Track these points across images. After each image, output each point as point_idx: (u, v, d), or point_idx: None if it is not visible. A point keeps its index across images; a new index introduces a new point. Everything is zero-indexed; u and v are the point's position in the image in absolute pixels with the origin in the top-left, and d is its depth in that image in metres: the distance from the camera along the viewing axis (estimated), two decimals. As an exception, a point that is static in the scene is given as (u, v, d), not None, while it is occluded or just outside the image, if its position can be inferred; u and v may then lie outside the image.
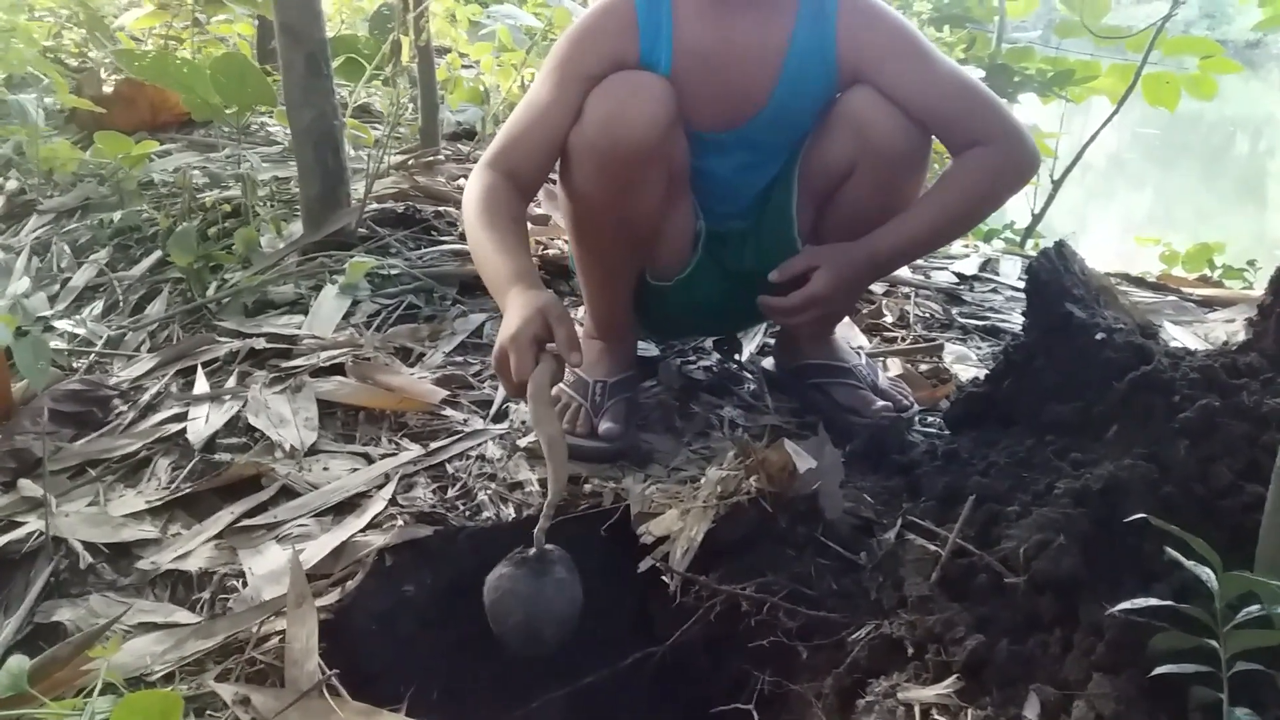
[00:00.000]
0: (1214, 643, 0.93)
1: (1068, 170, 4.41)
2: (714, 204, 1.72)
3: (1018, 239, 4.37)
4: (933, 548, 1.27)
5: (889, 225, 1.61)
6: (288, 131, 3.44)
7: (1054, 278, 1.44)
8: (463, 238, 2.41)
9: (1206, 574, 0.95)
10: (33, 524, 1.55)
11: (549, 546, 1.22)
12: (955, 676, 1.10)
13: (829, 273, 1.60)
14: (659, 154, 1.53)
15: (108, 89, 3.57)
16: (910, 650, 1.15)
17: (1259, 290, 2.52)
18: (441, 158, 3.06)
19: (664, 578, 1.36)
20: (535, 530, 1.21)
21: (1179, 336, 1.94)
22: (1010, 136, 1.58)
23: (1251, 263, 3.45)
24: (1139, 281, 2.53)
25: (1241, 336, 1.45)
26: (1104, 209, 8.21)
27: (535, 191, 1.64)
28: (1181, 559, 0.99)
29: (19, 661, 1.19)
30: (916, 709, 1.07)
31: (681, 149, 1.61)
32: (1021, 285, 2.33)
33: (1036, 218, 4.58)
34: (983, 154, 1.57)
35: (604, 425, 1.60)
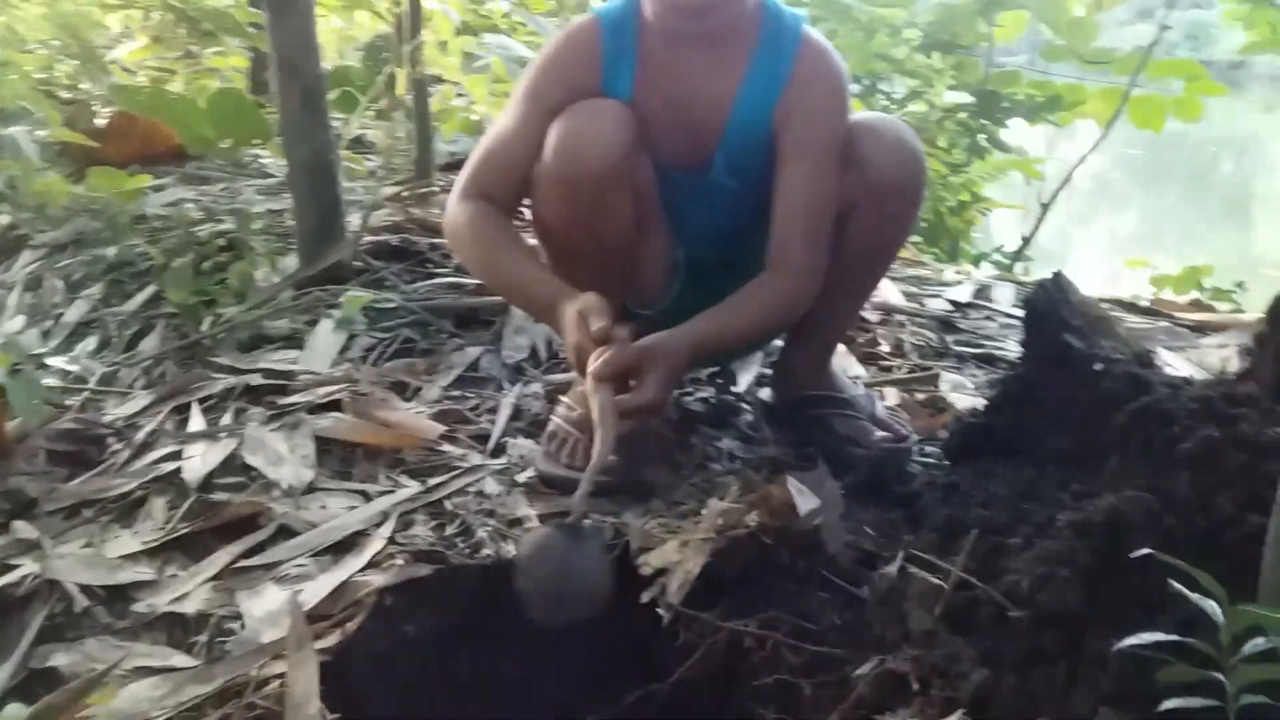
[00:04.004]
0: (1220, 676, 0.93)
1: (1055, 194, 4.44)
2: (692, 234, 1.74)
3: (1008, 262, 4.40)
4: (935, 581, 1.27)
5: (706, 315, 1.57)
6: (281, 164, 3.45)
7: (1051, 309, 1.44)
8: (458, 270, 2.42)
9: (1212, 607, 0.94)
10: (28, 566, 1.54)
11: (588, 521, 1.22)
12: (961, 712, 1.09)
13: (660, 377, 1.45)
14: (621, 177, 1.55)
15: (100, 121, 3.57)
16: (915, 685, 1.14)
17: (1249, 314, 2.54)
18: (435, 189, 3.06)
19: (659, 609, 1.35)
20: (575, 497, 1.22)
21: (1173, 363, 1.94)
22: (807, 273, 1.62)
23: (1239, 284, 3.48)
24: (1131, 306, 2.54)
25: (1235, 363, 1.45)
26: (1089, 230, 8.26)
27: (514, 214, 1.67)
28: (1186, 592, 0.99)
29: (16, 710, 1.18)
30: (923, 747, 1.06)
31: (646, 173, 1.63)
32: (1015, 312, 2.36)
33: (1025, 241, 4.61)
34: (784, 278, 1.62)
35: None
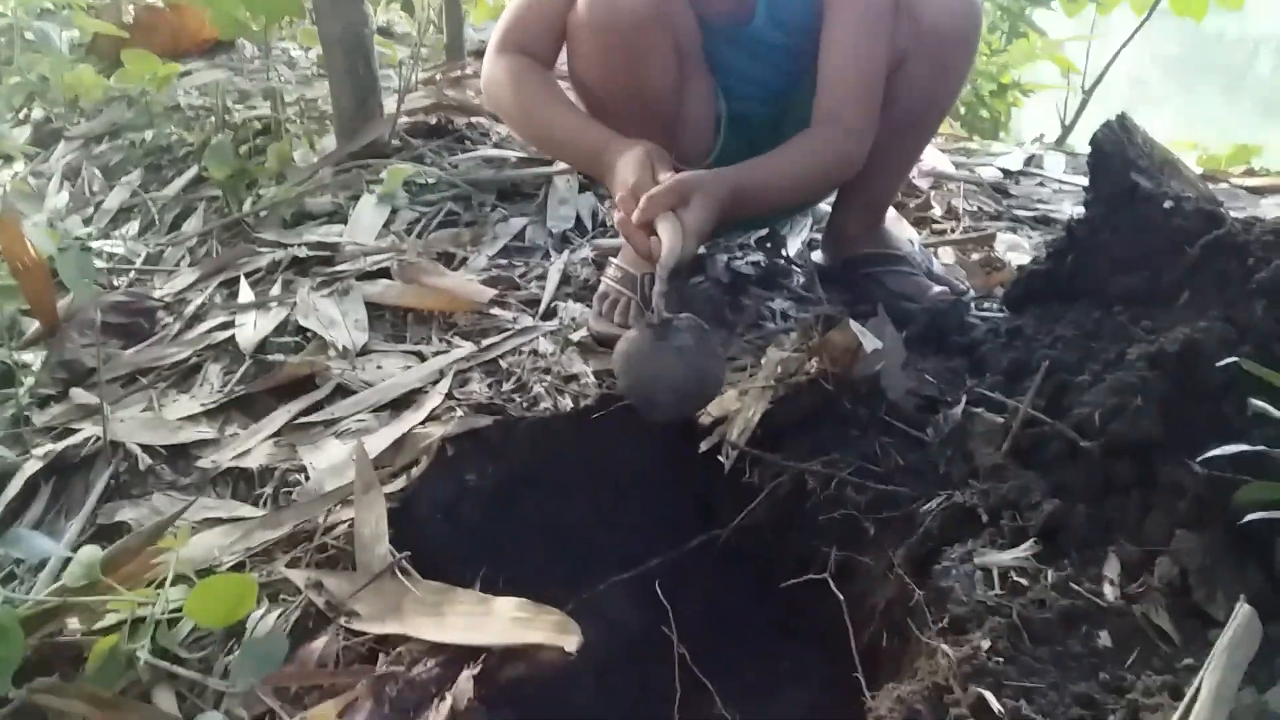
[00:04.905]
0: (1304, 490, 0.91)
1: (1098, 80, 4.31)
2: (736, 89, 1.69)
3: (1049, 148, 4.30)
4: (1001, 420, 1.26)
5: (752, 161, 1.52)
6: (310, 54, 3.41)
7: (1118, 149, 1.40)
8: (498, 145, 2.39)
9: (1298, 420, 0.93)
10: (89, 430, 1.55)
11: (681, 316, 1.25)
12: (1032, 540, 1.08)
13: (705, 203, 1.37)
14: (659, 23, 1.51)
15: (127, 19, 3.53)
16: (984, 518, 1.14)
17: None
18: (469, 73, 3.01)
19: (719, 457, 1.35)
20: (653, 294, 1.23)
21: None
22: (857, 135, 1.57)
23: (1289, 164, 3.39)
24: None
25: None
26: (1127, 130, 8.05)
27: (552, 66, 1.63)
28: (1271, 409, 0.97)
29: (91, 552, 1.20)
30: (995, 572, 1.06)
31: (686, 19, 1.58)
32: (1069, 179, 2.30)
33: (1067, 129, 4.50)
34: (835, 137, 1.55)
35: (658, 316, 1.58)
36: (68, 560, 1.23)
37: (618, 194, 1.39)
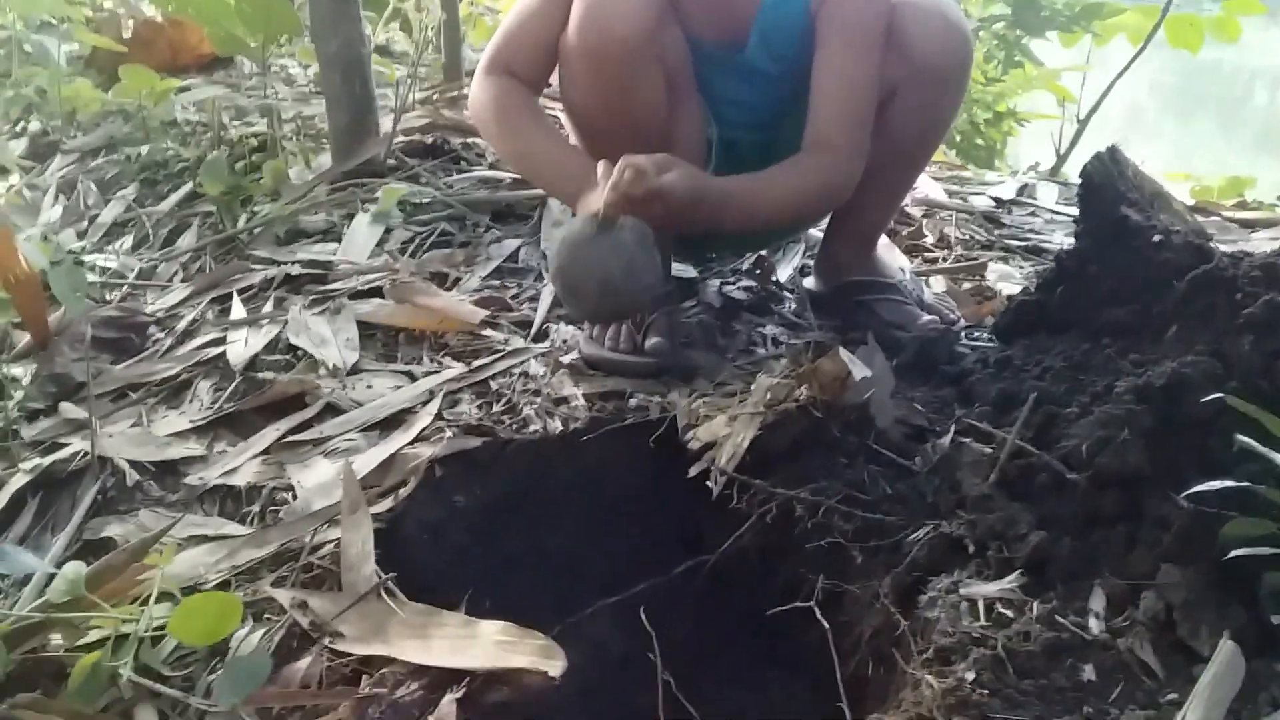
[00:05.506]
0: (1288, 526, 0.92)
1: (1093, 110, 4.34)
2: (727, 115, 1.71)
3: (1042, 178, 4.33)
4: (989, 450, 1.26)
5: (739, 176, 1.55)
6: (308, 71, 3.42)
7: (1109, 181, 1.42)
8: (493, 166, 2.39)
9: (1282, 458, 0.93)
10: (77, 444, 1.55)
11: (628, 218, 1.31)
12: (1019, 572, 1.09)
13: (682, 174, 1.45)
14: (648, 48, 1.52)
15: (126, 33, 3.54)
16: (971, 548, 1.14)
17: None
18: (466, 93, 3.02)
19: (707, 482, 1.35)
20: (603, 201, 1.30)
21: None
22: (847, 161, 1.58)
23: (1281, 198, 3.41)
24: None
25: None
26: (1122, 159, 8.10)
27: (540, 91, 1.65)
28: (1256, 445, 0.98)
29: (76, 567, 1.19)
30: (980, 603, 1.06)
31: (676, 44, 1.59)
32: (1061, 209, 2.32)
33: (1061, 158, 4.53)
34: (824, 163, 1.57)
35: (650, 340, 1.59)
36: (52, 575, 1.23)
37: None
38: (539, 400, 1.51)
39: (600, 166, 1.46)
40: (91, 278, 2.14)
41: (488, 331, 1.72)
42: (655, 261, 1.39)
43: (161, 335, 1.86)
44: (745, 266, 1.96)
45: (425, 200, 2.20)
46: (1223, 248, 1.92)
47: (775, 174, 1.57)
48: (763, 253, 2.00)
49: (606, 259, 1.31)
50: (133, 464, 1.49)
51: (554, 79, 1.65)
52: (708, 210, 1.49)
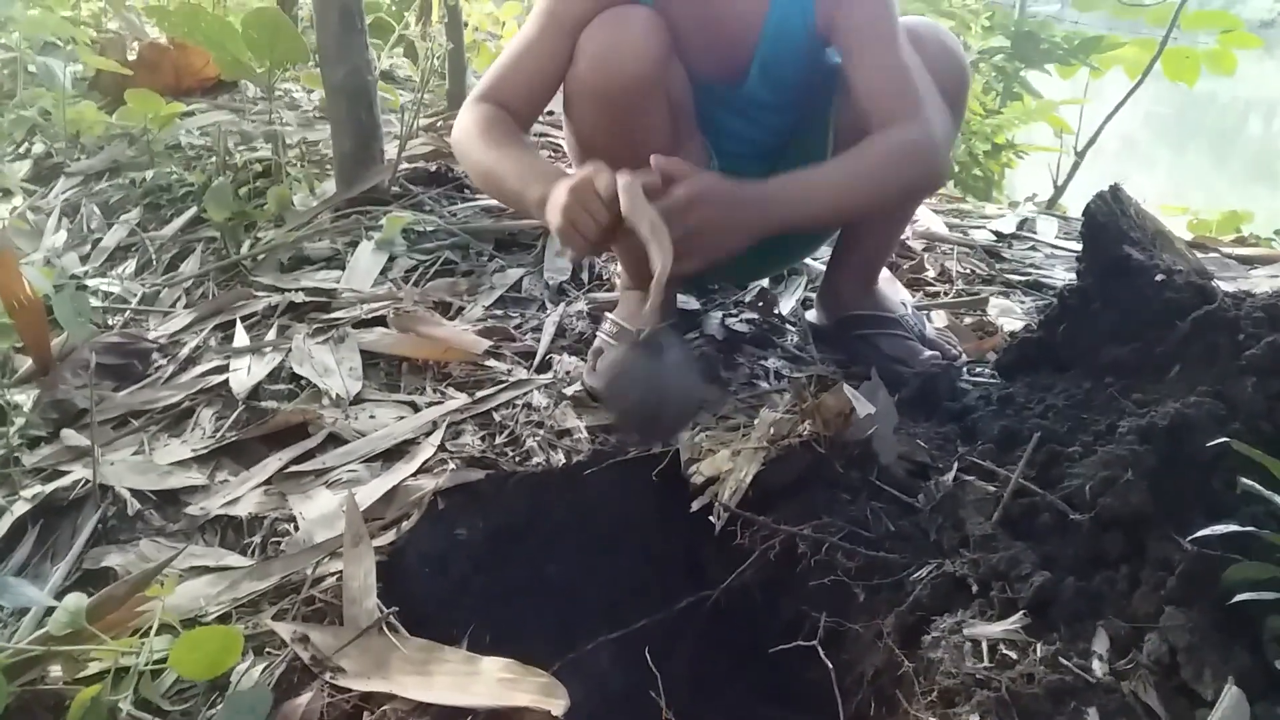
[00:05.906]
0: (1292, 571, 0.92)
1: (1090, 142, 4.37)
2: (727, 147, 1.71)
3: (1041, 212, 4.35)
4: (992, 489, 1.26)
5: (788, 174, 1.47)
6: (313, 96, 3.44)
7: (1111, 220, 1.42)
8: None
9: (1287, 502, 0.93)
10: (78, 472, 1.55)
11: (664, 326, 1.27)
12: (1022, 613, 1.08)
13: (706, 184, 1.38)
14: (655, 85, 1.52)
15: (130, 56, 3.55)
16: (974, 588, 1.14)
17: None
18: (469, 120, 3.03)
19: (710, 518, 1.35)
20: (645, 309, 1.24)
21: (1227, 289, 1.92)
22: (927, 117, 1.49)
23: (1278, 231, 3.42)
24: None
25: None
26: (1118, 190, 8.13)
27: (529, 126, 1.62)
28: (1259, 488, 0.98)
29: (76, 599, 1.19)
30: (984, 644, 1.05)
31: (680, 81, 1.60)
32: (1061, 243, 2.33)
33: (1059, 190, 4.55)
34: (900, 129, 1.48)
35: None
36: (53, 607, 1.22)
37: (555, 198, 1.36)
38: (542, 432, 1.52)
39: (597, 169, 1.37)
40: (94, 302, 2.14)
41: (491, 362, 1.72)
42: (698, 375, 1.37)
43: (164, 362, 1.86)
44: (748, 299, 1.97)
45: (429, 228, 2.21)
46: (1224, 286, 1.94)
47: (833, 161, 1.54)
48: (764, 284, 2.01)
49: (657, 383, 1.27)
50: (134, 493, 1.48)
51: (553, 105, 1.65)
52: (754, 198, 1.41)
